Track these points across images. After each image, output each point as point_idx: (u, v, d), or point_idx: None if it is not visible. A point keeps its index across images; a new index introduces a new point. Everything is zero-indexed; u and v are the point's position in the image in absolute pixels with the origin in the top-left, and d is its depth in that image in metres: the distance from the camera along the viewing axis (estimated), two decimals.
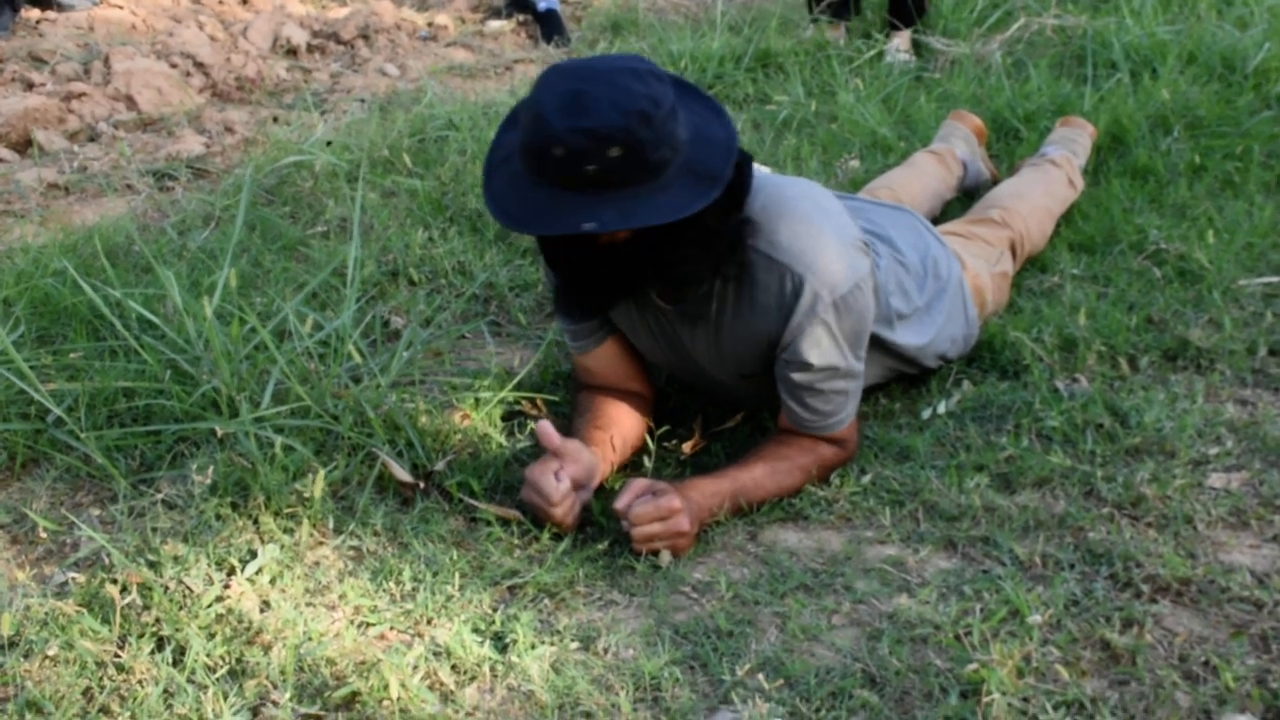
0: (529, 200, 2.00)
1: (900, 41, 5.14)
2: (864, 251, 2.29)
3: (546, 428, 2.20)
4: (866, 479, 2.37)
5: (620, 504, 2.14)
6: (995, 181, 3.70)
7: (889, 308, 2.49)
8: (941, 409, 2.60)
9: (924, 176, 3.49)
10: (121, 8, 5.78)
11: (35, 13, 5.57)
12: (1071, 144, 3.72)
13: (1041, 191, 3.40)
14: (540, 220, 1.99)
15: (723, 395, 2.57)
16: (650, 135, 1.94)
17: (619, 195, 1.95)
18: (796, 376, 2.28)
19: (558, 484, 2.17)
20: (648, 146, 1.94)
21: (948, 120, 3.88)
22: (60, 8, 5.39)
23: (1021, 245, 3.15)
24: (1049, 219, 3.35)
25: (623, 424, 2.44)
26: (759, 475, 2.29)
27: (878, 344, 2.49)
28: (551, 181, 1.97)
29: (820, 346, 2.24)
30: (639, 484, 2.16)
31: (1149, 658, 1.86)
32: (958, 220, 3.23)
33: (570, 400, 2.65)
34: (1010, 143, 4.09)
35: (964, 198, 3.67)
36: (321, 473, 2.19)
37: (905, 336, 2.55)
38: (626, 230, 2.01)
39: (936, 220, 3.32)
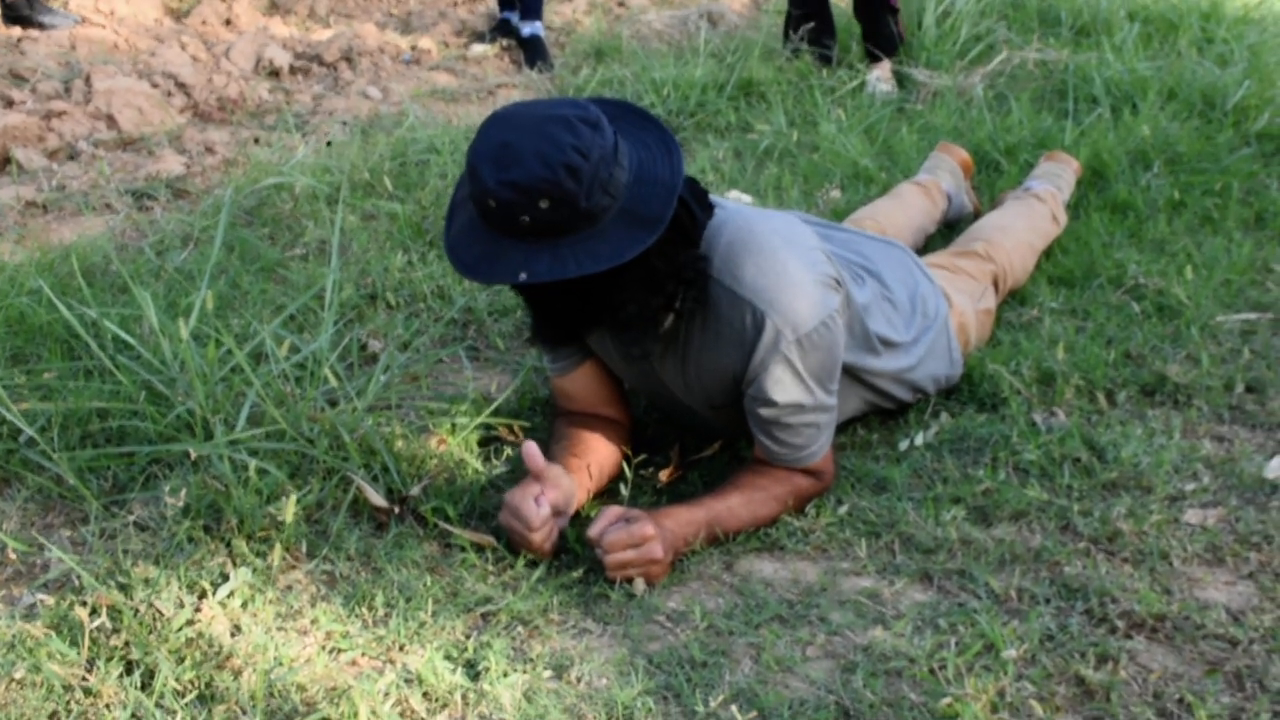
0: (476, 247, 2.04)
1: (881, 72, 5.16)
2: (833, 288, 2.29)
3: (532, 449, 2.19)
4: (843, 510, 2.37)
5: (594, 531, 2.13)
6: (978, 214, 3.71)
7: (873, 336, 2.49)
8: (919, 441, 2.60)
9: (908, 208, 3.50)
10: (104, 27, 5.77)
11: (17, 31, 5.56)
12: (1056, 179, 3.73)
13: (1025, 226, 3.41)
14: (483, 268, 2.03)
15: (697, 424, 2.57)
16: (578, 186, 1.95)
17: (556, 244, 1.98)
18: (763, 412, 2.28)
19: (538, 509, 2.16)
20: (577, 197, 1.96)
21: (934, 152, 3.90)
22: (42, 26, 5.38)
23: (1004, 279, 3.16)
24: (1031, 254, 3.36)
25: (599, 452, 2.44)
26: (734, 504, 2.29)
27: (858, 375, 2.50)
28: (494, 229, 2.01)
29: (783, 384, 2.24)
30: (613, 511, 2.15)
31: (1123, 694, 1.86)
32: (941, 252, 3.24)
33: (547, 426, 2.64)
34: (991, 175, 4.11)
35: (945, 229, 3.68)
36: (293, 497, 2.18)
37: (889, 363, 2.56)
38: (548, 281, 2.03)
39: (920, 252, 3.32)
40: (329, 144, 3.88)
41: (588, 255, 1.99)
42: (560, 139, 1.96)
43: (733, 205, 2.37)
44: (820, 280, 2.26)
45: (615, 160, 2.02)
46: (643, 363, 2.42)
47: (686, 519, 2.23)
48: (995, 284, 3.13)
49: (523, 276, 1.98)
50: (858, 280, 2.53)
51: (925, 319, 2.69)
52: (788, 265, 2.23)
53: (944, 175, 3.71)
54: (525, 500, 2.16)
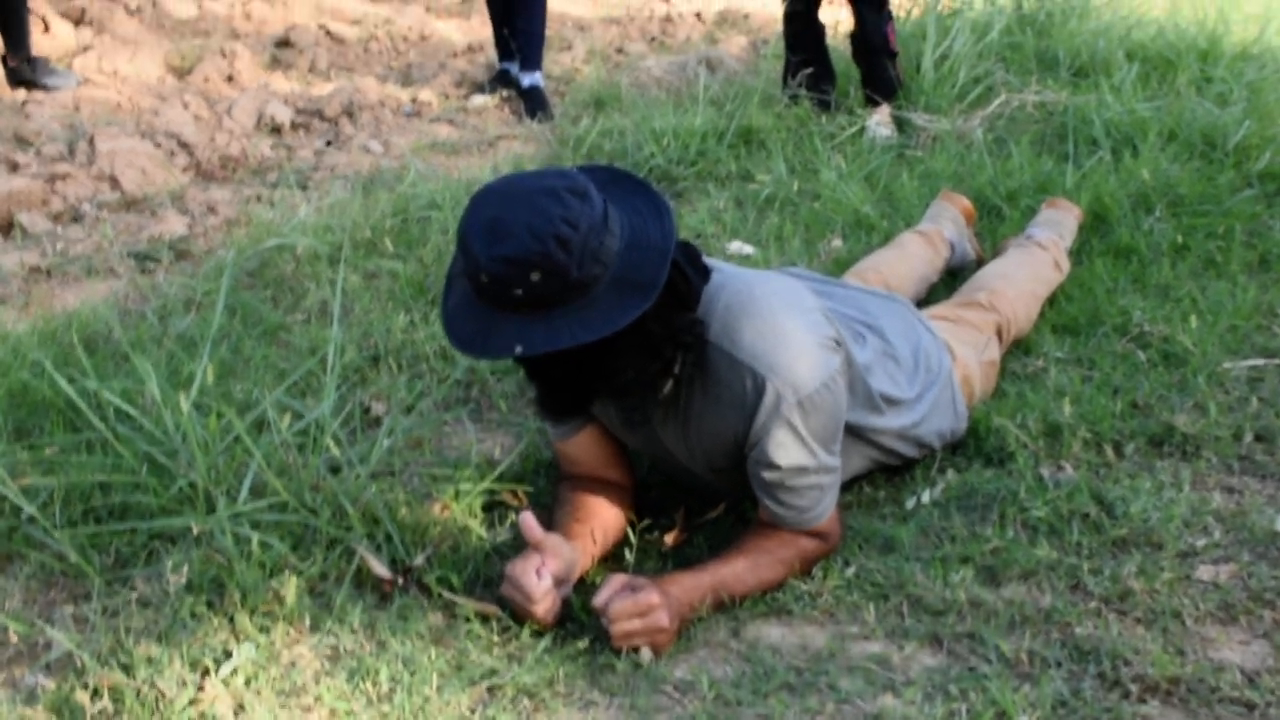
0: (471, 322, 2.06)
1: (880, 117, 5.16)
2: (833, 349, 2.28)
3: (529, 520, 2.17)
4: (850, 571, 2.35)
5: (599, 601, 2.11)
6: (981, 262, 3.70)
7: (875, 394, 2.48)
8: (926, 498, 2.58)
9: (911, 259, 3.49)
10: (107, 87, 5.80)
11: (22, 93, 5.57)
12: (1058, 226, 3.72)
13: (1028, 275, 3.40)
14: (478, 343, 2.05)
15: (701, 486, 2.56)
16: (568, 258, 1.96)
17: (549, 315, 1.99)
18: (766, 475, 2.27)
19: (539, 581, 2.14)
20: (569, 268, 1.97)
21: (936, 201, 3.89)
22: (45, 88, 5.40)
23: (1008, 330, 3.15)
24: (1035, 302, 3.35)
25: (603, 516, 2.42)
26: (740, 569, 2.27)
27: (861, 434, 2.48)
28: (488, 303, 2.02)
29: (786, 447, 2.22)
30: (617, 580, 2.13)
31: None
32: (944, 303, 3.23)
33: (551, 490, 2.62)
34: (993, 221, 4.10)
35: (949, 278, 3.66)
36: (293, 578, 2.17)
37: (893, 421, 2.54)
38: (537, 354, 2.04)
39: (923, 302, 3.31)
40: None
41: (581, 325, 1.99)
42: (549, 211, 1.96)
43: (730, 268, 2.37)
44: (820, 342, 2.25)
45: (605, 229, 2.02)
46: (644, 427, 2.41)
47: (692, 585, 2.21)
48: (999, 334, 3.11)
49: (518, 350, 1.99)
50: (859, 338, 2.52)
51: (929, 374, 2.68)
52: (786, 327, 2.22)
53: (946, 223, 3.70)
54: (526, 573, 2.15)
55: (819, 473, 2.28)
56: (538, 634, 2.18)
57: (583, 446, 2.52)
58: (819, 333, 2.26)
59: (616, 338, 2.02)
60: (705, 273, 2.22)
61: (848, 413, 2.37)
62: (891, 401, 2.53)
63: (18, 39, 5.58)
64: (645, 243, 2.07)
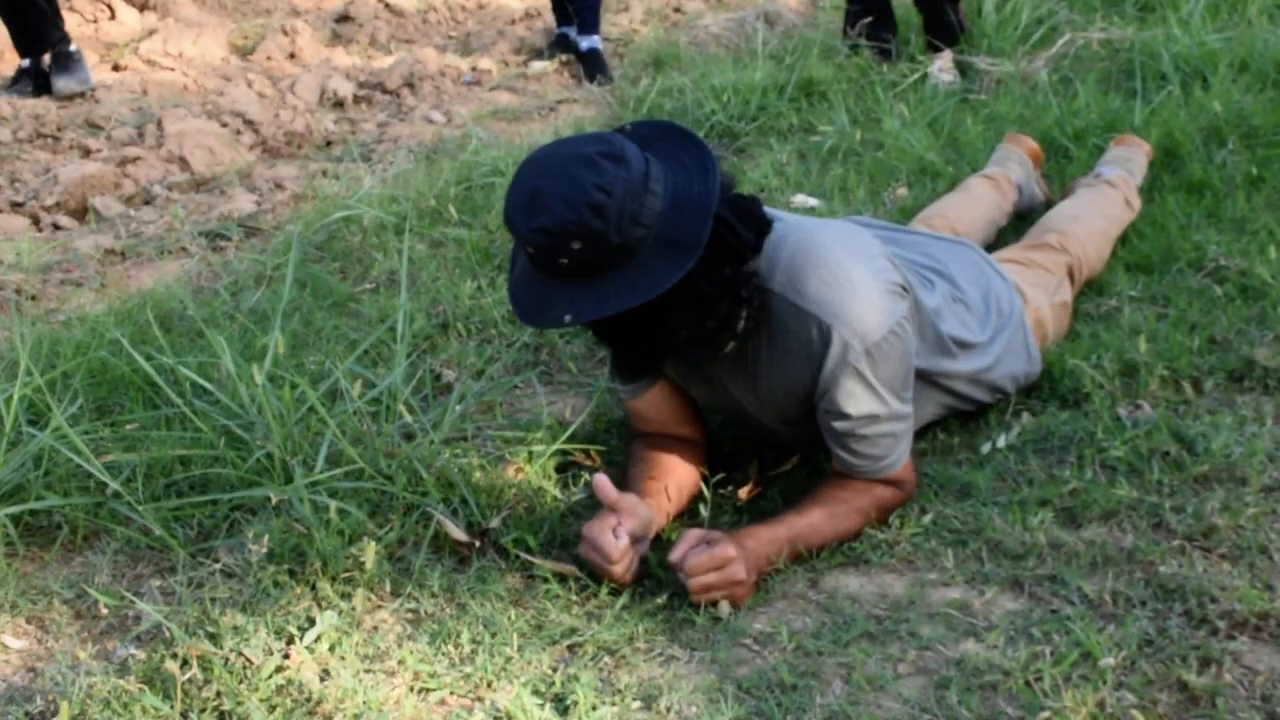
0: (529, 292, 2.09)
1: (943, 63, 5.09)
2: (900, 294, 2.25)
3: (603, 481, 2.17)
4: (927, 519, 2.32)
5: (675, 556, 2.11)
6: (1049, 203, 3.64)
7: (946, 338, 2.45)
8: (1001, 443, 2.54)
9: (979, 203, 3.44)
10: (173, 69, 5.84)
11: (96, 77, 5.59)
12: (1127, 163, 3.65)
13: (1099, 214, 3.34)
14: (535, 313, 2.08)
15: (773, 439, 2.54)
16: (604, 224, 1.96)
17: (597, 281, 2.00)
18: (837, 425, 2.25)
19: (616, 541, 2.14)
20: (607, 234, 1.96)
21: (1003, 144, 3.83)
22: (60, 95, 5.29)
23: (1080, 270, 3.09)
24: (1106, 242, 3.29)
25: (677, 472, 2.41)
26: (816, 520, 2.25)
27: (933, 379, 2.45)
28: (542, 272, 2.04)
29: (855, 396, 2.20)
30: (693, 534, 2.12)
31: (1230, 699, 1.81)
32: (1014, 246, 3.18)
33: (623, 449, 2.62)
34: (1060, 162, 4.03)
35: (1017, 220, 3.61)
36: (372, 544, 2.18)
37: (965, 365, 2.51)
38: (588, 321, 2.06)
39: (992, 246, 3.26)
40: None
41: (629, 288, 1.99)
42: (583, 179, 1.96)
43: (793, 218, 2.35)
44: (886, 288, 2.22)
45: (646, 190, 2.01)
46: (714, 383, 2.40)
47: (769, 538, 2.19)
48: (1070, 275, 3.06)
49: (568, 319, 2.02)
50: (927, 284, 2.49)
51: (1000, 318, 2.64)
52: (851, 275, 2.20)
53: (1013, 166, 3.64)
54: (604, 533, 2.14)
55: (891, 420, 2.25)
56: (616, 592, 2.18)
57: (654, 404, 2.51)
58: (884, 278, 2.24)
59: (667, 297, 2.01)
60: (762, 225, 2.18)
61: (918, 358, 2.34)
62: (963, 345, 2.50)
63: (30, 39, 5.45)
64: (688, 200, 2.05)
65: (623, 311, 2.00)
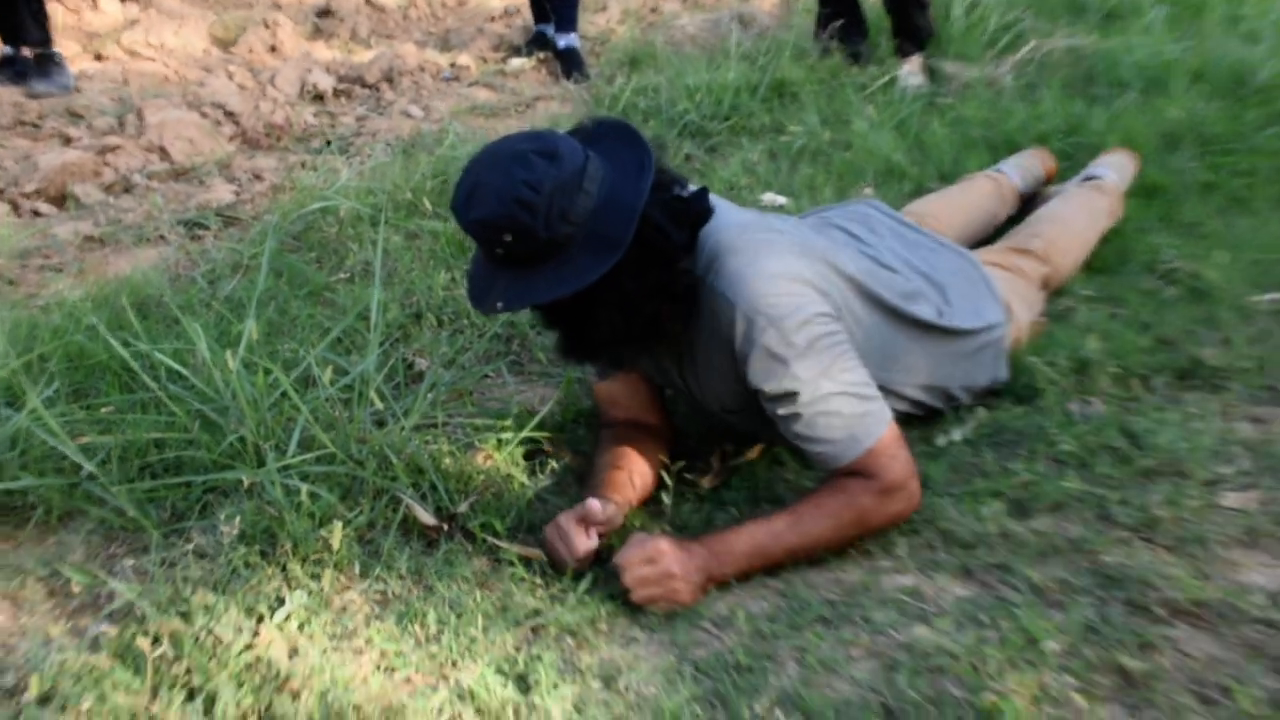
0: (476, 277, 2.15)
1: (911, 66, 5.11)
2: (815, 289, 2.23)
3: (595, 507, 2.20)
4: None
5: (615, 558, 2.13)
6: (1050, 178, 3.67)
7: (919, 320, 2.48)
8: (957, 436, 2.58)
9: (971, 208, 3.44)
10: (154, 60, 5.83)
11: (75, 67, 5.58)
12: (1123, 169, 3.67)
13: (1086, 223, 3.35)
14: (477, 297, 2.13)
15: (726, 428, 2.56)
16: (532, 219, 2.01)
17: (529, 272, 2.06)
18: (768, 407, 2.23)
19: (587, 542, 2.19)
20: (534, 228, 2.01)
21: (1025, 152, 3.86)
22: (36, 95, 5.25)
23: (1053, 281, 3.12)
24: (1085, 250, 3.31)
25: (641, 462, 2.43)
26: (779, 528, 2.19)
27: (886, 387, 2.43)
28: (488, 260, 2.10)
29: (769, 372, 2.17)
30: (636, 537, 2.14)
31: (1165, 683, 1.83)
32: (999, 246, 3.17)
33: (590, 438, 2.64)
34: None
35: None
36: (339, 525, 2.20)
37: (928, 319, 2.52)
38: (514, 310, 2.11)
39: (981, 243, 3.29)
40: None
41: (557, 281, 2.04)
42: (514, 174, 2.01)
43: (735, 215, 2.34)
44: (796, 276, 2.22)
45: (579, 188, 2.05)
46: (666, 372, 2.43)
47: (721, 547, 2.16)
48: (1046, 285, 3.08)
49: (499, 305, 2.07)
50: (914, 294, 2.51)
51: (988, 333, 2.66)
52: (762, 256, 2.21)
53: (1016, 173, 3.65)
54: (579, 533, 2.18)
55: (820, 400, 2.17)
56: (579, 575, 2.20)
57: (621, 389, 2.55)
58: (796, 269, 2.23)
59: (593, 293, 2.06)
60: (697, 224, 2.22)
61: (882, 368, 2.36)
62: (932, 327, 2.53)
63: (7, 28, 5.37)
64: (619, 200, 2.08)
65: (549, 303, 2.07)
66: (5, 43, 5.37)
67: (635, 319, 2.18)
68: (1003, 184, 3.59)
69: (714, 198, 2.33)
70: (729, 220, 2.29)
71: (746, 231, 2.27)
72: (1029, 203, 3.63)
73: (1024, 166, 3.73)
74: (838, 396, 2.18)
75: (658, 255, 2.14)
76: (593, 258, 2.04)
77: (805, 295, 2.20)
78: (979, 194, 3.53)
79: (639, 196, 2.08)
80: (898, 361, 2.48)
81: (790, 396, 2.17)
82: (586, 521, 2.20)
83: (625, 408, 2.56)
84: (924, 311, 2.51)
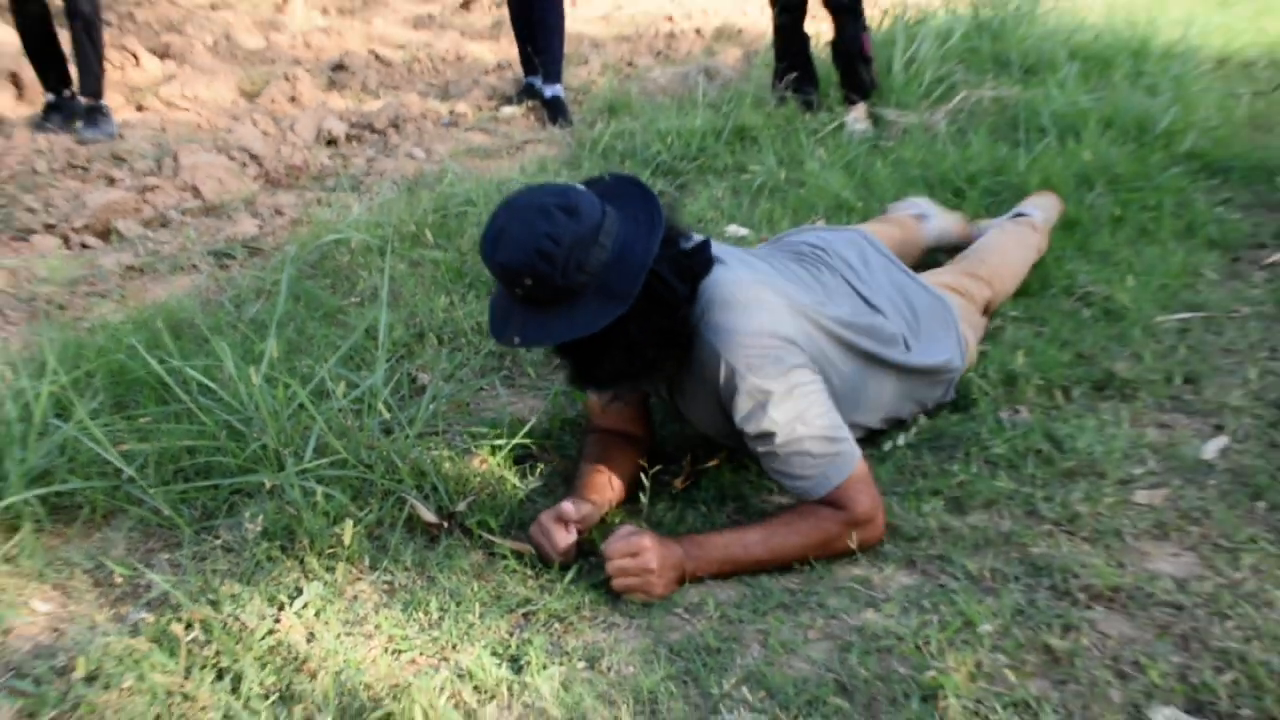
0: (498, 310, 2.11)
1: (857, 113, 5.12)
2: (795, 345, 2.18)
3: (569, 508, 2.18)
4: None
5: (604, 546, 2.10)
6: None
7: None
8: (900, 441, 2.57)
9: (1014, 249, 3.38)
10: (188, 110, 5.79)
11: (119, 117, 5.53)
12: (1048, 209, 3.66)
13: (1021, 258, 3.34)
14: (497, 329, 2.10)
15: (716, 441, 2.49)
16: (550, 269, 1.99)
17: (543, 312, 2.04)
18: (749, 445, 2.18)
19: (568, 536, 2.16)
20: (553, 276, 2.00)
21: (1040, 195, 3.80)
22: (85, 142, 5.21)
23: (994, 303, 3.11)
24: (1019, 279, 3.30)
25: (621, 466, 2.40)
26: (751, 541, 2.14)
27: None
28: (508, 294, 2.07)
29: (749, 415, 2.13)
30: (623, 529, 2.11)
31: (1085, 659, 1.83)
32: (952, 269, 3.13)
33: (575, 444, 2.62)
34: (956, 200, 4.06)
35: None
36: (350, 523, 2.18)
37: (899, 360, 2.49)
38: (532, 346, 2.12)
39: (929, 266, 3.21)
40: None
41: (568, 325, 2.03)
42: (537, 227, 1.99)
43: (742, 267, 2.29)
44: (777, 330, 2.17)
45: (595, 241, 2.02)
46: (659, 392, 2.42)
47: (697, 551, 2.12)
48: (987, 311, 3.07)
49: (517, 340, 2.05)
50: (890, 341, 2.48)
51: (947, 373, 2.64)
52: (751, 309, 2.16)
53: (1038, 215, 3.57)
54: (559, 529, 2.16)
55: (795, 442, 2.13)
56: (565, 568, 2.17)
57: (611, 403, 2.51)
58: (780, 327, 2.18)
59: (602, 336, 2.04)
60: (699, 276, 2.18)
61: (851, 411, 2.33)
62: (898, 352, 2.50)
63: (54, 77, 5.33)
64: (631, 256, 2.06)
65: (559, 343, 2.06)
66: (46, 90, 5.32)
67: (637, 360, 2.15)
68: (1032, 222, 3.52)
69: (717, 247, 2.29)
70: (726, 275, 2.22)
71: (740, 287, 2.21)
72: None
73: (1038, 204, 3.67)
74: (811, 439, 2.13)
75: (662, 306, 2.11)
76: (602, 306, 2.02)
77: (785, 349, 2.15)
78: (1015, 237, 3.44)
79: (649, 254, 2.05)
80: (867, 401, 2.45)
81: (768, 436, 2.13)
82: (563, 520, 2.18)
83: (613, 419, 2.53)
84: (897, 355, 2.48)
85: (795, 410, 2.13)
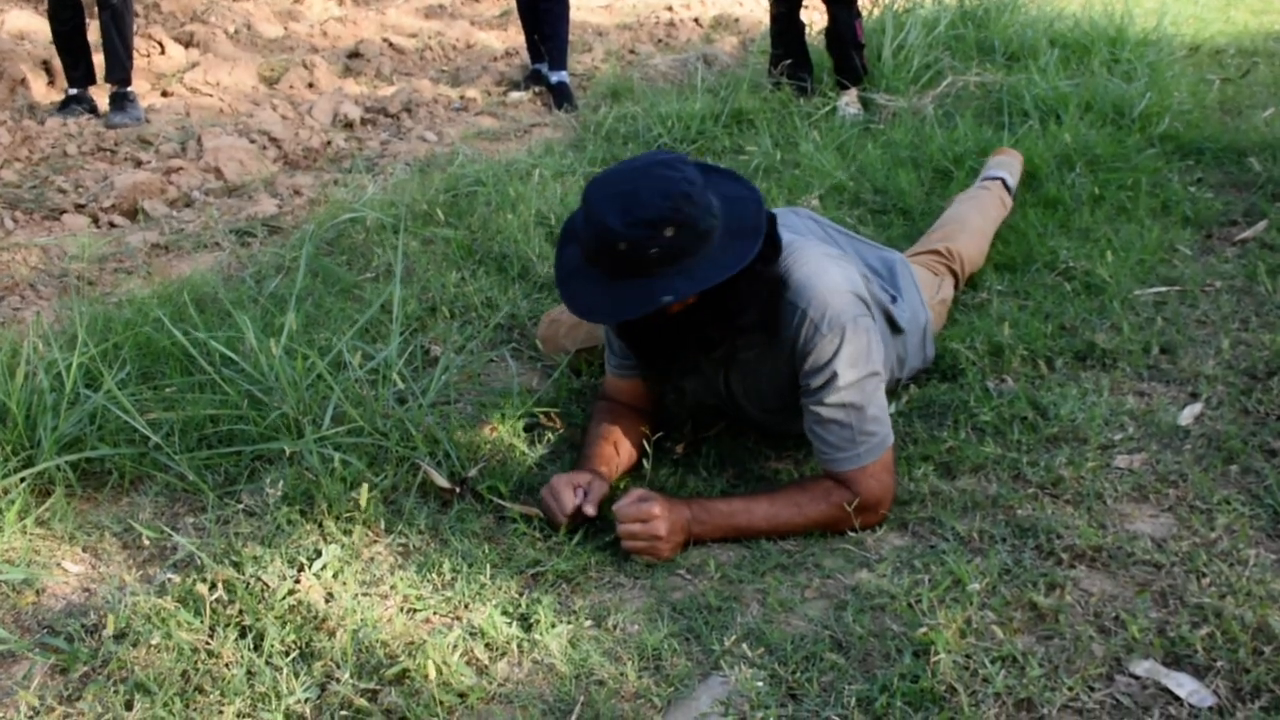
0: (610, 294, 1.94)
1: (849, 98, 5.08)
2: (865, 303, 2.15)
3: (582, 477, 2.13)
4: None
5: (616, 506, 2.07)
6: None
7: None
8: (892, 409, 2.52)
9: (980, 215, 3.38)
10: (211, 95, 5.74)
11: (146, 102, 5.47)
12: (1005, 166, 3.65)
13: (978, 217, 3.31)
14: (625, 307, 1.94)
15: (748, 422, 2.44)
16: (694, 210, 1.89)
17: (682, 267, 1.90)
18: (804, 400, 2.12)
19: (575, 500, 2.09)
20: (696, 219, 1.90)
21: (1000, 155, 3.81)
22: (113, 126, 5.12)
23: (964, 269, 3.07)
24: (986, 240, 3.27)
25: (627, 436, 2.34)
26: (757, 512, 2.11)
27: None
28: (624, 274, 1.92)
29: (819, 368, 2.07)
30: (636, 492, 2.07)
31: (1069, 615, 1.82)
32: (914, 250, 3.10)
33: (581, 412, 2.59)
34: (944, 180, 4.03)
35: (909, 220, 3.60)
36: (367, 488, 2.15)
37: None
38: (695, 295, 1.94)
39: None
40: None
41: (714, 267, 1.91)
42: (670, 175, 1.91)
43: (801, 229, 2.25)
44: (854, 290, 2.13)
45: (708, 189, 1.96)
46: (705, 375, 2.30)
47: (704, 516, 2.10)
48: (955, 275, 3.03)
49: (667, 299, 1.89)
50: (892, 300, 2.46)
51: (914, 324, 2.59)
52: (827, 270, 2.12)
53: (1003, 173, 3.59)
54: (567, 490, 2.10)
55: (849, 410, 2.08)
56: (573, 530, 2.15)
57: (630, 385, 2.42)
58: (855, 286, 2.15)
59: (736, 280, 1.95)
60: (777, 228, 2.10)
61: None
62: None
63: (80, 74, 5.26)
64: (737, 197, 2.00)
65: (703, 291, 1.93)
66: (70, 86, 5.27)
67: (764, 304, 2.06)
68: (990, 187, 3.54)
69: None
70: (795, 238, 2.18)
71: (812, 247, 2.17)
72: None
73: (1000, 164, 3.69)
74: (859, 414, 2.08)
75: (774, 245, 2.05)
76: (738, 246, 1.94)
77: (860, 307, 2.11)
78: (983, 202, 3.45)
79: (756, 192, 2.01)
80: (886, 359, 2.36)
81: (828, 388, 2.07)
82: (575, 485, 2.12)
83: (628, 396, 2.44)
84: (897, 313, 2.44)
85: (859, 377, 2.08)
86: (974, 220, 3.29)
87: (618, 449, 2.31)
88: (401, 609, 1.92)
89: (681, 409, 2.55)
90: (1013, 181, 3.63)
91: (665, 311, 1.99)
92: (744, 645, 1.80)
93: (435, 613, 1.92)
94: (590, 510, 2.08)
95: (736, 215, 1.98)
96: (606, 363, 2.45)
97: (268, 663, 1.78)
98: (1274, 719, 1.59)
